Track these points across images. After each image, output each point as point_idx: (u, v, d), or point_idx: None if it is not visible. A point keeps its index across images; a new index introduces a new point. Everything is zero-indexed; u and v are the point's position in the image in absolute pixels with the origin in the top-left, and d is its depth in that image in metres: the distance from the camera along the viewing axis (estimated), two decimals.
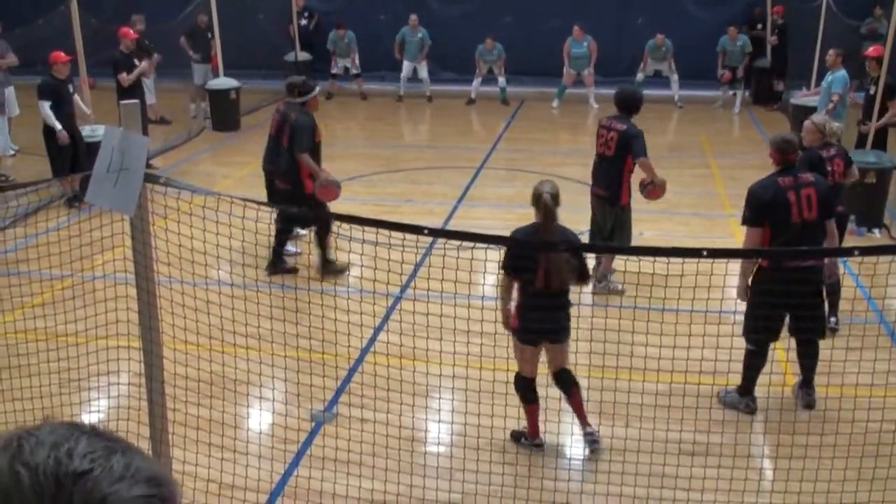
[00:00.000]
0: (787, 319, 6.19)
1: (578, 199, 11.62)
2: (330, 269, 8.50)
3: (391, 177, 12.84)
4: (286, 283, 5.19)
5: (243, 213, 4.50)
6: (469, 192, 11.93)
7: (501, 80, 17.81)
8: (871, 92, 10.74)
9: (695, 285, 4.30)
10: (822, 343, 6.05)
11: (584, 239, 8.18)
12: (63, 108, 10.82)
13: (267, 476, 5.28)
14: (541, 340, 5.65)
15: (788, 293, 5.83)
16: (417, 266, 8.27)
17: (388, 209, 10.75)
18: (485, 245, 4.38)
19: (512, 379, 5.70)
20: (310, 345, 5.64)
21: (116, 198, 4.15)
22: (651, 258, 8.68)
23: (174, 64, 16.78)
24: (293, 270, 8.54)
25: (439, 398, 6.28)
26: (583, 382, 6.20)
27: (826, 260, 6.43)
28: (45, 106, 10.68)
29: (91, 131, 10.96)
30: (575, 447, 5.89)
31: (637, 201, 8.64)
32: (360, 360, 6.77)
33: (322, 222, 8.60)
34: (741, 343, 6.11)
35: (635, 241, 9.43)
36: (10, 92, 13.40)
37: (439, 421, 6.07)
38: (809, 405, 6.24)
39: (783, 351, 6.63)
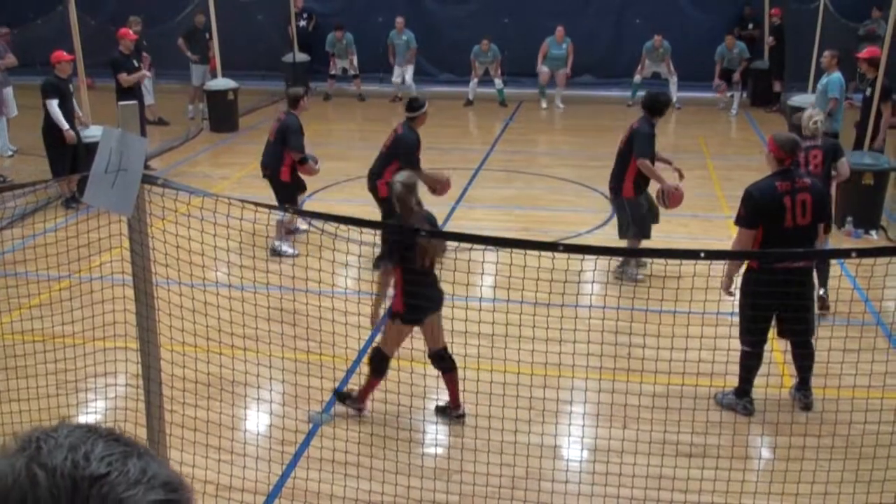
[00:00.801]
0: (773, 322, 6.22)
1: (578, 200, 11.68)
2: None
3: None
4: (283, 285, 5.19)
5: (241, 215, 4.50)
6: (467, 194, 11.93)
7: (498, 81, 17.84)
8: (868, 94, 10.74)
9: (692, 287, 4.30)
10: (819, 344, 6.04)
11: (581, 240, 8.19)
12: (66, 106, 10.84)
13: (264, 477, 5.27)
14: (426, 316, 5.99)
15: (777, 294, 5.85)
16: None
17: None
18: (482, 246, 4.38)
19: (508, 380, 5.70)
20: (307, 346, 5.64)
21: (114, 199, 4.15)
22: (649, 259, 8.71)
23: (172, 65, 16.80)
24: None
25: (437, 399, 6.29)
26: (581, 384, 6.20)
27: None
28: (54, 104, 10.68)
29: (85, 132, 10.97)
30: (572, 449, 5.89)
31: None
32: (357, 362, 6.77)
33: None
34: (738, 345, 6.12)
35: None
36: (8, 92, 13.41)
37: (437, 422, 6.07)
38: (807, 407, 6.24)
39: (781, 353, 6.63)
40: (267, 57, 18.74)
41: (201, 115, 15.99)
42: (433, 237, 4.58)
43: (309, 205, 11.30)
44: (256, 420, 6.36)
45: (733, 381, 6.28)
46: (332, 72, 18.66)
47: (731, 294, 6.13)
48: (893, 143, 11.86)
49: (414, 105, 9.53)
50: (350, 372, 6.68)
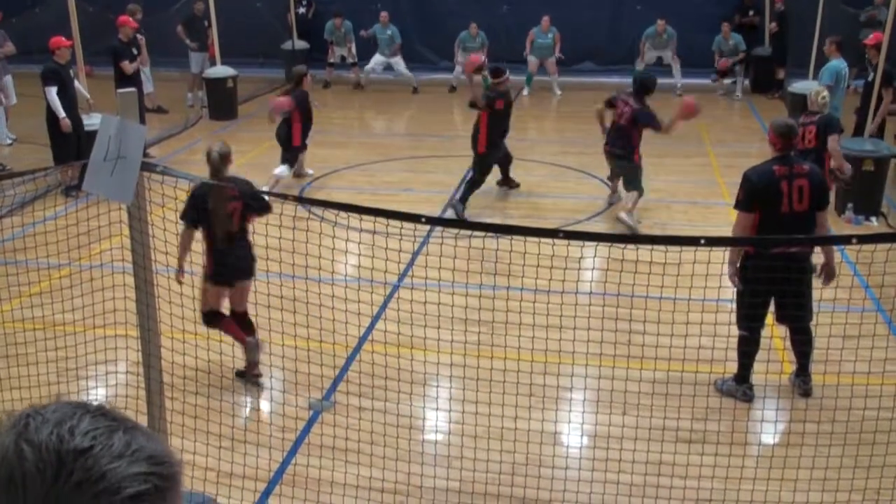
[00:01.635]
0: (771, 307, 6.22)
1: (580, 187, 11.66)
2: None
3: (389, 165, 12.83)
4: (283, 272, 5.19)
5: None
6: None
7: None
8: (871, 79, 10.72)
9: (692, 274, 4.30)
10: (819, 331, 6.04)
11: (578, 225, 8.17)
12: (67, 92, 10.79)
13: (265, 464, 5.29)
14: (236, 281, 6.39)
15: (773, 280, 5.86)
16: (415, 255, 8.28)
17: (386, 198, 10.75)
18: (482, 233, 4.38)
19: (509, 367, 5.71)
20: (308, 333, 5.64)
21: (114, 186, 4.14)
22: (649, 246, 8.66)
23: (171, 52, 16.74)
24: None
25: (437, 386, 6.30)
26: (580, 371, 6.21)
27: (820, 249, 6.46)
28: (52, 92, 10.63)
29: (89, 119, 10.94)
30: (572, 435, 5.90)
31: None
32: (358, 349, 6.78)
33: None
34: (737, 331, 6.13)
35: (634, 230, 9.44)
36: (7, 81, 13.37)
37: (437, 409, 6.09)
38: (806, 393, 6.25)
39: (780, 339, 6.64)
40: (266, 44, 18.68)
41: (200, 102, 15.94)
42: (437, 224, 4.57)
43: (308, 192, 11.30)
44: (257, 407, 6.37)
45: (733, 368, 6.29)
46: (331, 60, 18.59)
47: (734, 283, 6.13)
48: (894, 130, 11.85)
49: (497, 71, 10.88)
50: (350, 359, 6.68)
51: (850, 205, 10.12)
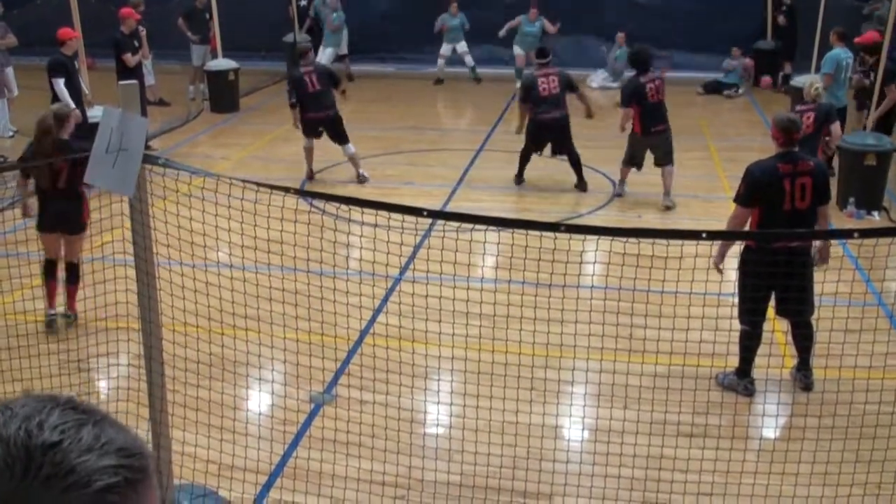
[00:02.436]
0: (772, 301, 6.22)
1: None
2: None
3: (391, 159, 12.81)
4: (285, 265, 5.19)
5: (242, 195, 4.50)
6: (468, 174, 11.92)
7: (468, 59, 17.84)
8: (871, 80, 10.70)
9: (694, 267, 4.30)
10: (821, 325, 6.03)
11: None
12: (74, 84, 10.78)
13: (266, 457, 5.29)
14: (51, 230, 7.15)
15: (775, 274, 5.86)
16: (417, 248, 8.27)
17: (388, 191, 10.73)
18: (484, 227, 4.37)
19: (510, 360, 5.72)
20: (309, 326, 5.65)
21: (115, 179, 4.14)
22: (650, 240, 8.66)
23: (172, 45, 16.71)
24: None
25: (438, 380, 6.30)
26: (581, 365, 6.21)
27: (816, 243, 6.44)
28: (60, 83, 10.60)
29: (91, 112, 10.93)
30: (573, 429, 5.91)
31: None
32: (359, 342, 6.78)
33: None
34: (739, 325, 6.13)
35: (634, 224, 9.44)
36: (9, 73, 13.35)
37: (438, 402, 6.09)
38: (807, 387, 6.25)
39: (782, 333, 6.64)
40: (267, 37, 18.65)
41: (202, 95, 15.93)
42: (439, 217, 4.57)
43: (310, 185, 11.30)
44: (258, 400, 6.38)
45: (734, 362, 6.29)
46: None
47: (719, 270, 6.10)
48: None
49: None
50: (351, 352, 6.69)
51: (851, 199, 10.11)
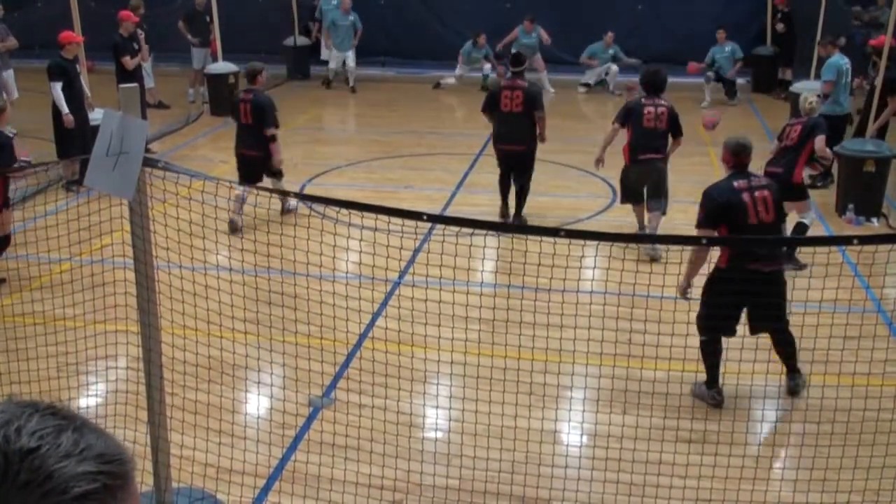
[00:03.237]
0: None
1: (578, 186, 11.65)
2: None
3: (390, 163, 12.82)
4: (284, 269, 5.19)
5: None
6: (468, 179, 11.92)
7: (487, 67, 17.93)
8: (876, 83, 10.72)
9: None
10: (820, 331, 5.95)
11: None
12: (74, 87, 10.77)
13: (265, 460, 5.28)
14: None
15: (747, 293, 5.80)
16: (416, 252, 8.27)
17: (387, 195, 10.73)
18: (483, 231, 4.38)
19: (509, 365, 5.72)
20: (308, 330, 5.65)
21: (115, 182, 4.14)
22: (650, 246, 8.68)
23: (173, 48, 16.72)
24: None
25: (437, 384, 6.29)
26: (581, 370, 6.21)
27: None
28: (57, 87, 10.60)
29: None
30: (572, 434, 5.90)
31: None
32: (358, 346, 6.78)
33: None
34: (739, 331, 6.11)
35: (634, 229, 9.43)
36: (9, 75, 13.35)
37: (437, 407, 6.08)
38: (793, 391, 6.21)
39: None
40: (268, 40, 18.67)
41: (202, 98, 15.94)
42: (438, 222, 4.58)
43: (309, 189, 11.30)
44: (257, 403, 6.37)
45: (732, 368, 6.27)
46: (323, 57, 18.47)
47: (686, 298, 6.03)
48: (895, 131, 11.84)
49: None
50: (350, 356, 6.68)
51: (850, 205, 10.12)
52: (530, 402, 5.55)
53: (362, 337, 6.87)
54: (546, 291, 5.77)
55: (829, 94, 11.14)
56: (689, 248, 6.04)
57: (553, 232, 3.93)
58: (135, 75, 12.09)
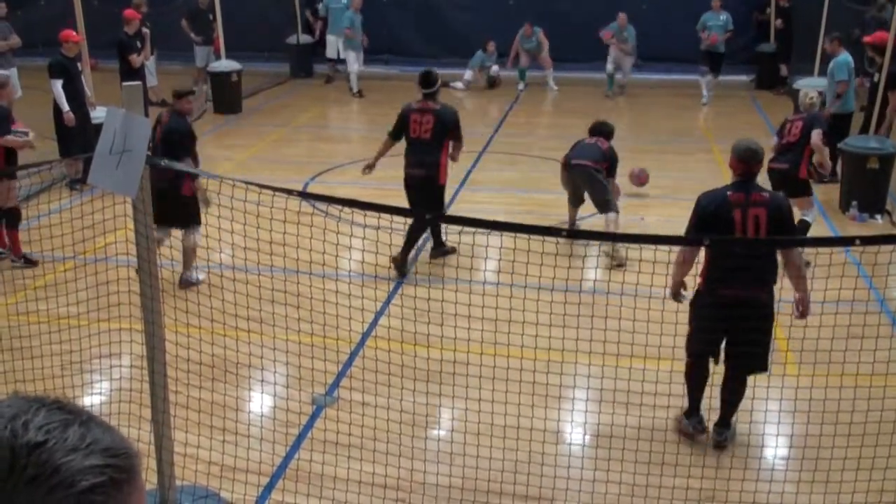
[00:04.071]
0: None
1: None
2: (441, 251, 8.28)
3: (394, 161, 12.80)
4: (287, 268, 5.19)
5: (245, 196, 4.51)
6: (470, 177, 11.92)
7: (495, 68, 17.96)
8: (875, 80, 10.71)
9: (695, 273, 4.30)
10: (823, 331, 5.77)
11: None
12: (75, 85, 10.77)
13: (268, 459, 5.30)
14: None
15: (724, 319, 5.42)
16: (419, 251, 8.27)
17: (390, 194, 10.73)
18: (486, 230, 4.38)
19: (511, 364, 5.71)
20: (311, 329, 5.65)
21: (118, 180, 4.15)
22: (652, 245, 8.70)
23: (176, 46, 16.74)
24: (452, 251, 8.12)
25: (440, 383, 6.30)
26: (583, 369, 6.21)
27: (797, 296, 5.64)
28: (58, 85, 10.60)
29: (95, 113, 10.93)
30: (575, 433, 5.91)
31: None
32: (361, 345, 6.79)
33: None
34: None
35: (636, 227, 9.44)
36: (12, 73, 13.36)
37: (440, 405, 6.09)
38: (719, 444, 5.67)
39: (784, 340, 6.61)
40: (270, 38, 18.68)
41: (205, 96, 15.96)
42: (440, 221, 4.59)
43: (312, 187, 11.30)
44: (260, 402, 6.38)
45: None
46: (330, 55, 18.47)
47: (678, 300, 5.62)
48: None
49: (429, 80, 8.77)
50: (353, 355, 6.69)
51: (854, 202, 10.11)
52: (532, 401, 5.55)
53: (365, 335, 6.88)
54: (548, 290, 5.78)
55: (842, 93, 11.13)
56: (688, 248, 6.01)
57: (556, 231, 3.94)
58: (137, 73, 12.10)
